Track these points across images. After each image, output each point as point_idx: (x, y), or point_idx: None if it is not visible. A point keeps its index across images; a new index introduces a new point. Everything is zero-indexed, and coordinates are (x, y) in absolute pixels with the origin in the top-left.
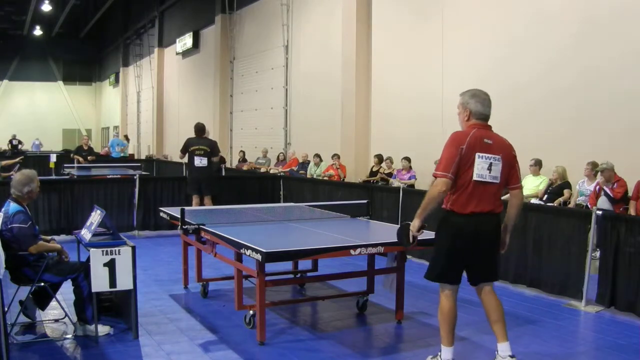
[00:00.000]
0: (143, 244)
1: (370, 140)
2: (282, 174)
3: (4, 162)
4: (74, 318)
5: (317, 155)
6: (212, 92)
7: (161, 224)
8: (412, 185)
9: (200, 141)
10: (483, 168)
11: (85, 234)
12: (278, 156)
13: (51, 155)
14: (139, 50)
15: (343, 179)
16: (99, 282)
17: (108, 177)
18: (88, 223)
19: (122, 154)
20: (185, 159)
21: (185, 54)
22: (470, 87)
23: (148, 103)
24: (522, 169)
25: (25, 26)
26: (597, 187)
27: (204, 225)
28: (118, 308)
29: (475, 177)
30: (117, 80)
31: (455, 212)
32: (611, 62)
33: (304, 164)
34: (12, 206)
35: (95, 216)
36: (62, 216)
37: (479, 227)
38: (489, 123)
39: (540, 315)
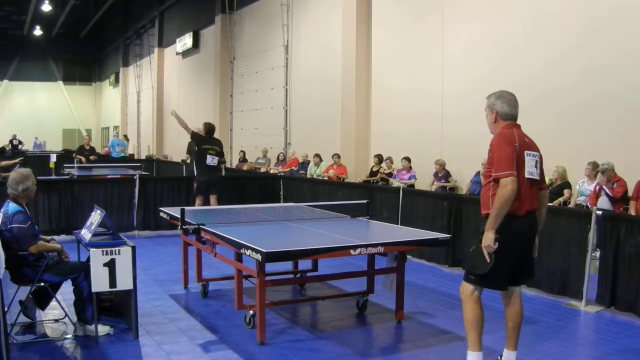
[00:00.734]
0: (143, 244)
1: (370, 139)
2: (282, 174)
3: (3, 163)
4: (74, 318)
5: (317, 155)
6: (212, 92)
7: (161, 224)
8: (412, 185)
9: (212, 141)
10: (532, 166)
11: (85, 234)
12: (278, 156)
13: (51, 155)
14: (139, 50)
15: (343, 179)
16: (99, 282)
17: (108, 177)
18: (88, 223)
19: (122, 154)
20: (173, 158)
21: (185, 54)
22: (470, 85)
23: (148, 103)
24: None
25: (25, 26)
26: (597, 187)
27: (204, 225)
28: (118, 308)
29: (527, 175)
30: (117, 80)
31: (513, 214)
32: (612, 62)
33: (304, 164)
34: (11, 206)
35: (95, 216)
36: (62, 216)
37: (531, 227)
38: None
39: (540, 315)
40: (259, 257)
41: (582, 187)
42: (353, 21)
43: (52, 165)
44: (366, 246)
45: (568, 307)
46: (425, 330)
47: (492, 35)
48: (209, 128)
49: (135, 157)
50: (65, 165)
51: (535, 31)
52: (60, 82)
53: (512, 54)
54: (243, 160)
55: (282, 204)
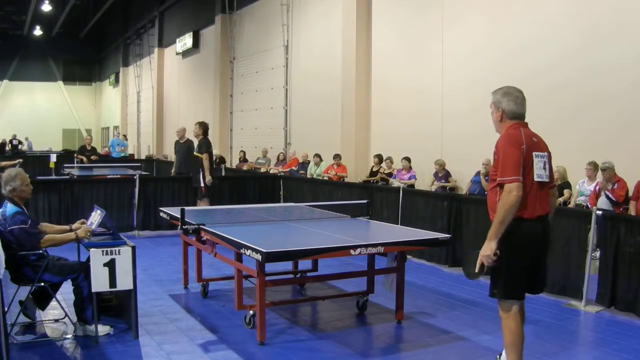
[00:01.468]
0: (143, 244)
1: (370, 138)
2: (282, 174)
3: (3, 163)
4: (74, 318)
5: (317, 155)
6: (212, 92)
7: (161, 224)
8: (412, 185)
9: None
10: (540, 167)
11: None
12: (278, 156)
13: (51, 155)
14: (139, 50)
15: (343, 179)
16: (99, 282)
17: (108, 177)
18: (88, 222)
19: (122, 154)
20: (173, 158)
21: (185, 54)
22: (469, 82)
23: (148, 103)
24: None
25: (25, 26)
26: (597, 187)
27: (204, 225)
28: (118, 308)
29: (536, 178)
30: (117, 80)
31: (525, 218)
32: (612, 61)
33: (304, 164)
34: (9, 207)
35: (96, 216)
36: (62, 216)
37: (545, 231)
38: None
39: (540, 315)
40: (259, 257)
41: (582, 187)
42: (353, 18)
43: (52, 165)
44: (366, 246)
45: (568, 307)
46: (425, 330)
47: (492, 32)
48: (207, 128)
49: (135, 157)
50: (65, 165)
51: (535, 27)
52: (60, 82)
53: (512, 50)
54: (243, 160)
55: (282, 204)
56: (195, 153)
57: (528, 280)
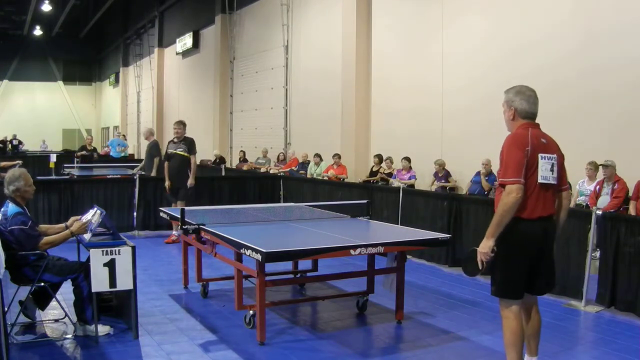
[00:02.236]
0: (143, 244)
1: (370, 138)
2: (282, 174)
3: (3, 163)
4: (74, 318)
5: (317, 155)
6: (212, 92)
7: (161, 224)
8: (412, 185)
9: None
10: (547, 169)
11: (85, 234)
12: (278, 156)
13: (51, 155)
14: (139, 50)
15: (343, 179)
16: (99, 282)
17: (108, 177)
18: (84, 219)
19: (122, 154)
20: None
21: (185, 54)
22: (469, 82)
23: (148, 103)
24: None
25: (25, 26)
26: (597, 186)
27: (204, 225)
28: (118, 308)
29: (540, 180)
30: (117, 80)
31: (523, 218)
32: (613, 61)
33: (304, 164)
34: (10, 207)
35: (95, 216)
36: (62, 216)
37: (546, 232)
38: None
39: (540, 315)
40: (259, 257)
41: (582, 187)
42: (353, 18)
43: (52, 165)
44: (366, 246)
45: (568, 307)
46: (425, 330)
47: (492, 32)
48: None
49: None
50: (65, 165)
51: (536, 25)
52: (60, 82)
53: (512, 49)
54: (243, 160)
55: (282, 204)
56: (181, 152)
57: (527, 280)
